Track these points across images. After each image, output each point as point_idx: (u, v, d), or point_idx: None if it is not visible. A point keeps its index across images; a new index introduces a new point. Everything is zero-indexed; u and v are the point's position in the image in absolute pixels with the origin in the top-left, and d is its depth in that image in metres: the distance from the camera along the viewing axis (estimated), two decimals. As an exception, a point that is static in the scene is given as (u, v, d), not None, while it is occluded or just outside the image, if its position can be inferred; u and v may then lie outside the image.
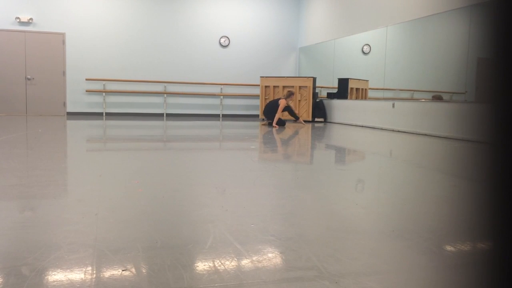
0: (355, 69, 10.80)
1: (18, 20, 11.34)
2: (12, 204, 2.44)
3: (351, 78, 10.65)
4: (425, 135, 7.52)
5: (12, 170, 3.52)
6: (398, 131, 8.28)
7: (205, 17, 12.77)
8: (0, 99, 11.36)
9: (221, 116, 12.93)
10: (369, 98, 10.36)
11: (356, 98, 10.59)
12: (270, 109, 9.72)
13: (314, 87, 11.30)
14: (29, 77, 11.52)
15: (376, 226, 2.19)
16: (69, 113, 11.85)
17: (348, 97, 10.64)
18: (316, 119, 11.38)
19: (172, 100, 12.67)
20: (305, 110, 11.32)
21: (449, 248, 1.94)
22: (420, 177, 4.00)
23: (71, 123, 9.33)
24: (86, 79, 11.83)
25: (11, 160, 4.07)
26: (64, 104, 11.86)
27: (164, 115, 12.49)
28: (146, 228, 2.03)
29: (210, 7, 12.77)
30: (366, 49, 10.39)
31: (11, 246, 1.74)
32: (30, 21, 11.43)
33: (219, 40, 12.88)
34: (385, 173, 4.11)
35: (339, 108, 10.90)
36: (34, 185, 2.92)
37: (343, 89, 10.81)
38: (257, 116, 12.44)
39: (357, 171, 4.21)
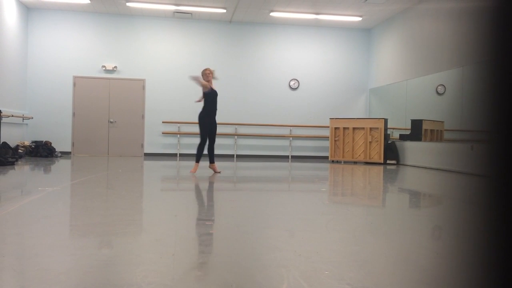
0: (429, 110, 10.46)
1: (104, 68, 12.33)
2: (95, 242, 2.58)
3: (424, 119, 10.32)
4: None
5: (96, 209, 3.74)
6: (478, 175, 7.82)
7: (274, 61, 13.11)
8: (85, 141, 12.25)
9: (290, 157, 12.98)
10: (444, 140, 9.94)
11: (431, 140, 10.20)
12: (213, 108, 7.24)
13: (386, 129, 11.06)
14: (111, 120, 12.36)
15: (460, 279, 2.06)
16: (146, 154, 12.48)
17: (422, 138, 10.27)
18: (388, 161, 11.06)
19: (242, 141, 12.96)
20: (376, 152, 11.06)
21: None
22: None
23: (148, 164, 9.80)
24: (163, 122, 12.47)
25: (95, 199, 4.33)
26: (142, 145, 12.52)
27: (235, 156, 12.76)
28: (221, 270, 2.05)
29: (279, 51, 13.12)
30: (440, 89, 10.07)
31: (95, 284, 1.84)
32: (115, 69, 12.38)
33: (289, 83, 13.11)
34: (465, 220, 3.87)
35: (412, 150, 10.53)
36: (116, 224, 3.07)
37: (416, 131, 10.47)
38: (327, 157, 12.34)
39: (434, 216, 4.01)
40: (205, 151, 7.42)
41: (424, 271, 2.14)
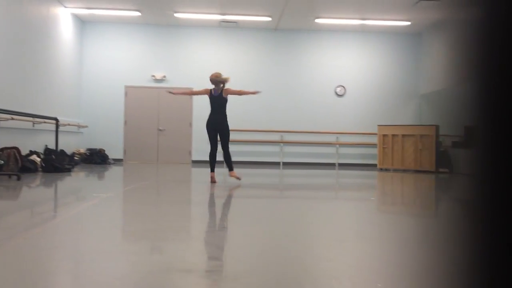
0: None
1: (153, 77, 12.70)
2: (148, 248, 2.64)
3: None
4: None
5: (147, 215, 3.83)
6: None
7: (320, 68, 13.01)
8: (135, 148, 12.63)
9: (337, 165, 12.80)
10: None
11: (486, 146, 9.75)
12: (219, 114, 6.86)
13: (437, 136, 10.69)
14: (161, 128, 12.69)
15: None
16: (193, 161, 12.69)
17: (477, 145, 9.84)
18: (440, 170, 10.68)
19: (288, 149, 12.92)
20: (427, 160, 10.71)
21: None
22: None
23: (196, 171, 9.96)
24: (210, 130, 12.66)
25: (146, 206, 4.44)
26: (190, 152, 12.76)
27: (281, 163, 12.74)
28: (270, 280, 2.04)
29: (325, 58, 13.01)
30: (496, 94, 9.63)
31: (149, 289, 1.87)
32: (164, 78, 12.72)
33: (335, 90, 12.96)
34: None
35: (467, 158, 10.11)
36: (167, 230, 3.13)
37: (470, 138, 10.04)
38: (375, 165, 12.07)
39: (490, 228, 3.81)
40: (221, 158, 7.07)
41: (484, 287, 2.04)
